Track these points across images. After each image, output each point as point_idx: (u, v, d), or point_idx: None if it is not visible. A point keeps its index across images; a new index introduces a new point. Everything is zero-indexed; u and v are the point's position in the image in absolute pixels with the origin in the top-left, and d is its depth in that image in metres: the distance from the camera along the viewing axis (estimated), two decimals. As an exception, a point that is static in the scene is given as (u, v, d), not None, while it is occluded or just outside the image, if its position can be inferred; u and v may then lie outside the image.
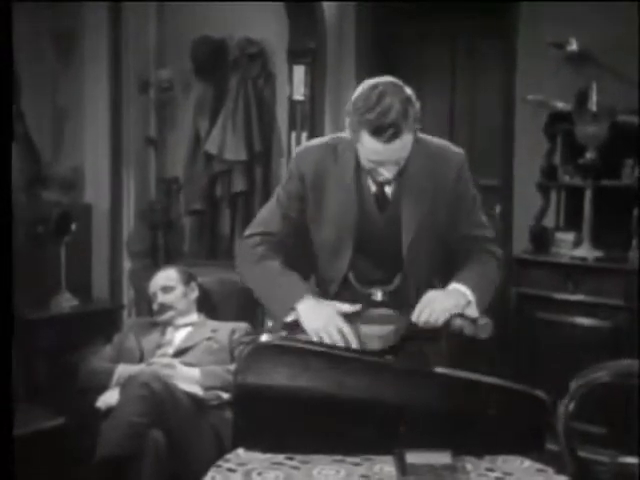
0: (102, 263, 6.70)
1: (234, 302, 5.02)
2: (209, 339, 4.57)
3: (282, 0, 6.18)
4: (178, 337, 4.64)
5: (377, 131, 2.91)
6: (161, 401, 3.99)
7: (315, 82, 6.39)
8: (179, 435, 4.03)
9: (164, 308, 4.73)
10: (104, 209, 6.66)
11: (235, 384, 2.97)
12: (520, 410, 2.85)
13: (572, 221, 5.60)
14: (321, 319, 3.03)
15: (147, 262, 6.83)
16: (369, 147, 2.97)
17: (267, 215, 3.36)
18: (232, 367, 4.26)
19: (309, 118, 6.37)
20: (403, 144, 2.96)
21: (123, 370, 4.40)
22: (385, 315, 3.18)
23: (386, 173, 3.05)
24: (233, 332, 4.61)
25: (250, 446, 2.80)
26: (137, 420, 3.90)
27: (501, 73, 6.04)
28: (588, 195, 5.30)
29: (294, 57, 6.38)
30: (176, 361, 4.40)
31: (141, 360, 4.54)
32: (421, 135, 3.17)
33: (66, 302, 5.92)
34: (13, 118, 5.92)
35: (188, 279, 4.85)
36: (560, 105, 5.42)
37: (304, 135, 6.32)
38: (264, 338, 3.00)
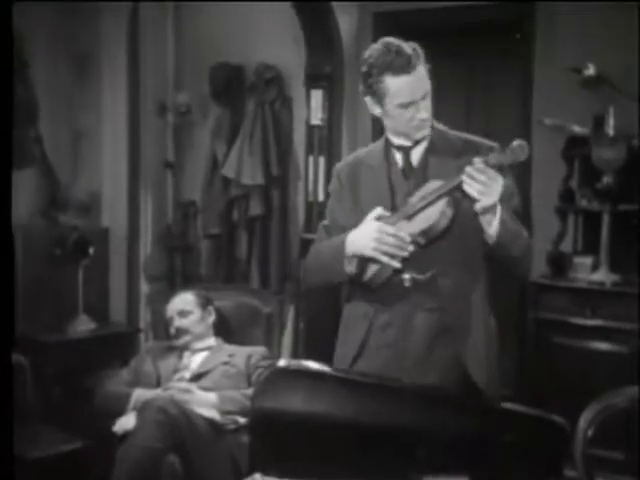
0: (119, 286, 6.70)
1: (251, 326, 5.03)
2: (226, 363, 4.56)
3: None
4: (195, 361, 4.64)
5: (397, 65, 3.07)
6: (178, 426, 4.00)
7: (333, 106, 6.41)
8: (196, 460, 4.03)
9: (181, 332, 4.72)
10: (121, 233, 6.66)
11: (252, 409, 2.97)
12: (537, 436, 2.83)
13: (590, 245, 5.59)
14: (370, 238, 3.07)
15: (164, 286, 6.84)
16: (395, 88, 3.08)
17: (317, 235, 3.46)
18: (249, 391, 4.27)
19: (326, 142, 6.39)
20: (420, 76, 3.08)
21: (140, 394, 4.40)
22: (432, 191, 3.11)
23: (423, 113, 3.12)
24: (250, 356, 4.60)
25: (267, 471, 2.78)
26: (154, 445, 3.91)
27: (518, 97, 6.04)
28: (606, 219, 5.30)
29: (311, 81, 6.41)
30: (193, 386, 4.40)
31: (158, 384, 4.53)
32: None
33: (83, 325, 5.91)
34: (31, 141, 5.95)
35: (205, 303, 4.84)
36: (577, 129, 5.42)
37: (321, 159, 6.33)
38: (282, 363, 2.99)
